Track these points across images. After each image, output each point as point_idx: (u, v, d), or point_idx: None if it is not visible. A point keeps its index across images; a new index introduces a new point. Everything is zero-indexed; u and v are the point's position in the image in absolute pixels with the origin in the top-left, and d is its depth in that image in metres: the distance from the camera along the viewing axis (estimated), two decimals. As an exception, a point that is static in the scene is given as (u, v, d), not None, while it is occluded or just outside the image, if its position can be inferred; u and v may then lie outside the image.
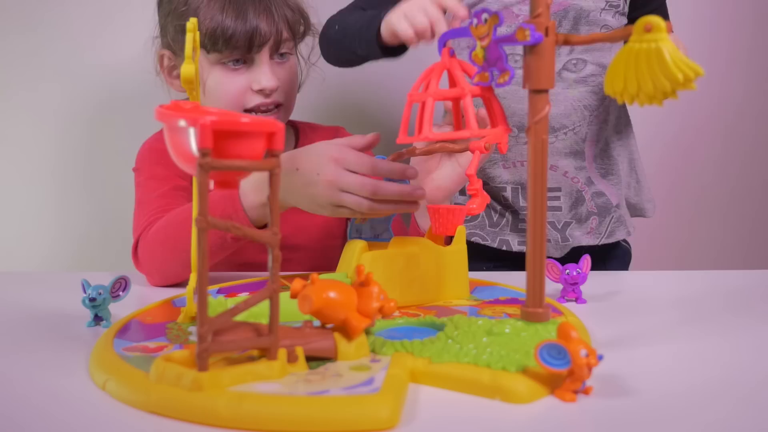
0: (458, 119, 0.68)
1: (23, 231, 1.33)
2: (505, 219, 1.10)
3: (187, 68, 0.57)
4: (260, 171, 0.46)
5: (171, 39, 0.99)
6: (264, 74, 0.96)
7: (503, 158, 1.08)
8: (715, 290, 0.83)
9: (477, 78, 0.59)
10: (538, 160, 0.55)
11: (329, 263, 0.98)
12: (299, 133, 1.12)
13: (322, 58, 1.08)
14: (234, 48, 0.93)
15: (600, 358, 0.45)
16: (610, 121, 1.11)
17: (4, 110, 1.31)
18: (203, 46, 0.94)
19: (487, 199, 0.77)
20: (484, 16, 0.56)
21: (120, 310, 0.67)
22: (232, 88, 0.96)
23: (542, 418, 0.43)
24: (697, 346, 0.59)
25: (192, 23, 0.59)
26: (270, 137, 0.46)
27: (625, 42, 0.48)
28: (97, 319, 0.64)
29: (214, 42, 0.93)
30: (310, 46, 1.07)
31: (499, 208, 1.09)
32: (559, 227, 1.08)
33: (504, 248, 1.09)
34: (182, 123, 0.45)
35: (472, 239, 1.10)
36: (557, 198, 1.08)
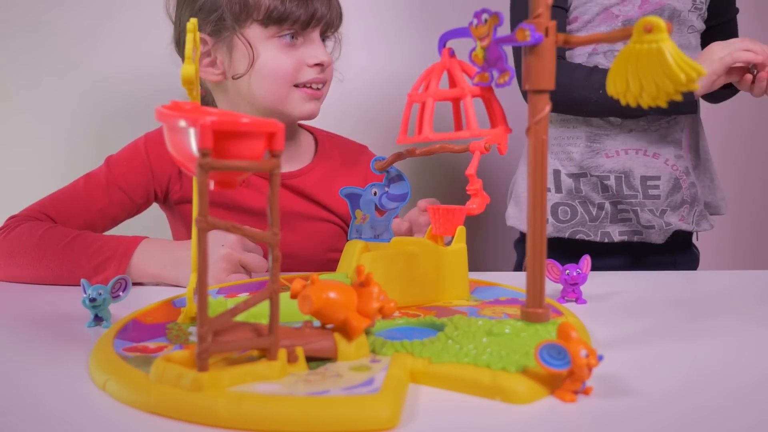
0: (458, 119, 0.68)
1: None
2: (604, 211, 1.16)
3: (187, 68, 0.57)
4: (260, 171, 0.46)
5: (228, 12, 0.97)
6: (319, 49, 0.98)
7: (604, 148, 1.15)
8: (716, 290, 0.83)
9: (477, 78, 0.59)
10: (538, 160, 0.55)
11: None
12: (318, 143, 1.12)
13: (341, 57, 1.09)
14: (294, 21, 0.95)
15: (600, 358, 0.45)
16: (698, 113, 1.19)
17: (5, 110, 1.31)
18: (261, 21, 0.95)
19: (487, 199, 0.77)
20: (484, 16, 0.56)
21: (120, 310, 0.67)
22: (288, 61, 0.97)
23: (542, 418, 0.43)
24: (697, 346, 0.59)
25: (192, 23, 0.59)
26: (270, 137, 0.46)
27: (626, 43, 0.48)
28: (98, 319, 0.64)
29: (275, 19, 0.95)
30: (330, 46, 1.07)
31: (597, 201, 1.15)
32: (658, 214, 1.15)
33: (606, 240, 1.17)
34: (182, 123, 0.45)
35: (577, 236, 1.17)
36: (656, 186, 1.16)
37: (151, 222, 1.11)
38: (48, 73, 1.32)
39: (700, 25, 1.17)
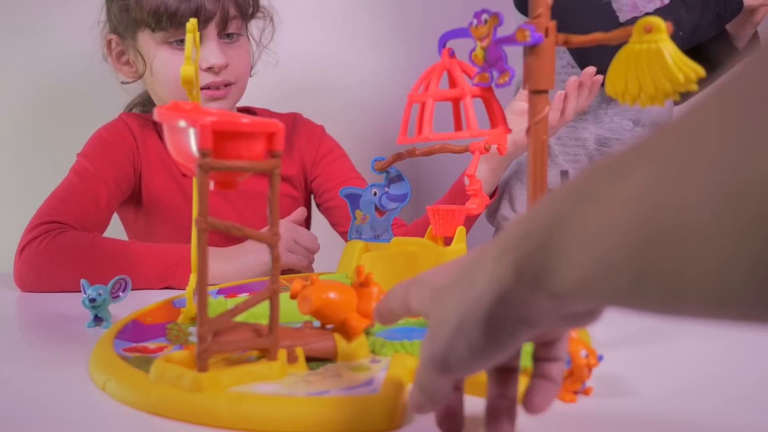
0: (458, 120, 0.68)
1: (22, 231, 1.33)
2: None
3: (186, 69, 0.57)
4: (260, 171, 0.46)
5: (116, 22, 0.98)
6: (211, 52, 0.95)
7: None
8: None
9: (477, 78, 0.59)
10: (538, 161, 0.55)
11: None
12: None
13: (273, 41, 1.08)
14: (179, 25, 0.92)
15: (600, 358, 0.45)
16: None
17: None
18: (147, 24, 0.94)
19: (487, 200, 0.77)
20: (484, 16, 0.56)
21: (120, 310, 0.66)
22: (179, 67, 0.95)
23: (542, 418, 0.43)
24: (697, 346, 0.59)
25: (192, 23, 0.59)
26: (270, 138, 0.46)
27: (626, 43, 0.48)
28: (97, 319, 0.64)
29: (158, 20, 0.93)
30: (261, 28, 1.06)
31: None
32: None
33: None
34: (182, 123, 0.45)
35: None
36: None
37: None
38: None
39: None
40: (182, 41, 0.95)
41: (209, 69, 0.96)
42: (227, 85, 0.99)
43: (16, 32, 1.28)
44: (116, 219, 1.07)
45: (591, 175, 0.26)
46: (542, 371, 0.37)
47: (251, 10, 1.02)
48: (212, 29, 0.95)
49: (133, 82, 1.05)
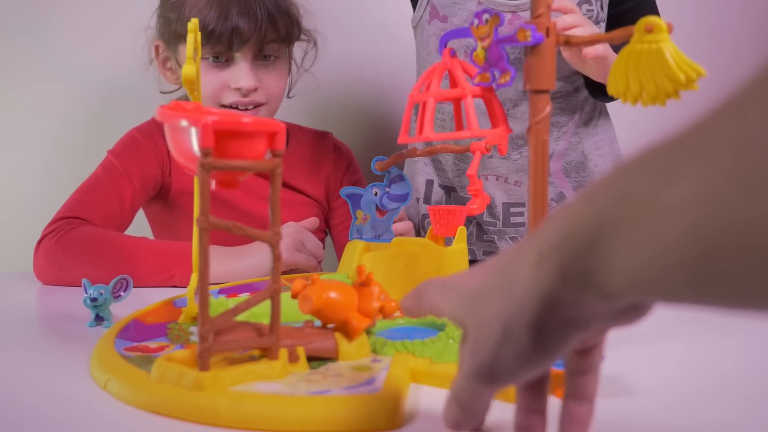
0: (459, 120, 0.68)
1: (24, 231, 1.33)
2: (469, 231, 1.10)
3: (188, 68, 0.57)
4: (261, 171, 0.46)
5: (161, 31, 1.01)
6: (243, 73, 0.96)
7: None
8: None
9: (478, 78, 0.59)
10: (539, 161, 0.55)
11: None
12: (289, 135, 1.13)
13: (316, 64, 1.09)
14: (215, 44, 0.94)
15: (601, 358, 0.45)
16: (582, 134, 1.09)
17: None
18: (184, 38, 0.94)
19: (488, 199, 0.77)
20: (485, 16, 0.57)
21: (121, 310, 0.67)
22: (210, 83, 0.96)
23: (543, 418, 0.43)
24: (697, 346, 0.59)
25: (193, 24, 0.59)
26: (271, 137, 0.46)
27: (626, 43, 0.48)
28: (99, 319, 0.64)
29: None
30: (304, 50, 1.07)
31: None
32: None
33: (469, 257, 1.10)
34: (184, 123, 0.45)
35: None
36: (521, 214, 1.08)
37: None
38: (41, 71, 1.30)
39: (601, 16, 1.03)
40: (218, 58, 0.96)
41: (238, 90, 0.97)
42: (256, 106, 0.99)
43: (59, 35, 1.29)
44: (140, 214, 1.08)
45: (632, 174, 0.25)
46: (576, 389, 0.35)
47: (295, 33, 1.02)
48: (247, 51, 0.96)
49: (174, 91, 1.07)
